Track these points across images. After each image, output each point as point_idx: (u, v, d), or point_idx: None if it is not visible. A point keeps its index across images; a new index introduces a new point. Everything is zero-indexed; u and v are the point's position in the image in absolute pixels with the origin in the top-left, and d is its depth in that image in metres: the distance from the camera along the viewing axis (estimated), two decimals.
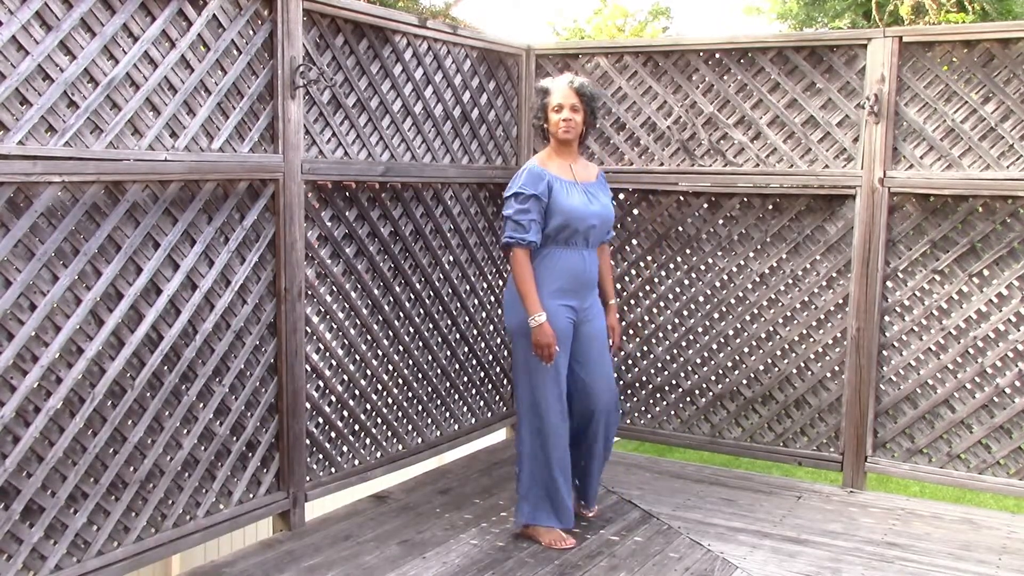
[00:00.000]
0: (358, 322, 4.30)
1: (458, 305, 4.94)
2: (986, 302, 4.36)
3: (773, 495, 4.56)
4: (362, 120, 4.19)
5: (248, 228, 3.68)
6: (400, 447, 4.62)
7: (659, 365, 5.18)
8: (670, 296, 5.11)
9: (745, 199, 4.87)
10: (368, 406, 4.40)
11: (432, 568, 3.63)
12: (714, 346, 5.02)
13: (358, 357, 4.31)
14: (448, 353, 4.91)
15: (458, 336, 4.97)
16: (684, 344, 5.10)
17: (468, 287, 5.01)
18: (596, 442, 3.99)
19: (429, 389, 4.80)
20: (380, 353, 4.45)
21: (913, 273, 4.50)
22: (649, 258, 5.16)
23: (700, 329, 5.04)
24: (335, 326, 4.17)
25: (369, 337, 4.37)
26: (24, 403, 2.96)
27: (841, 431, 4.71)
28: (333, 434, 4.23)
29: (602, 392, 3.93)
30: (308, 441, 4.06)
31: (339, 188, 4.13)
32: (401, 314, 4.56)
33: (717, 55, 4.84)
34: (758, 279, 4.88)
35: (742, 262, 4.90)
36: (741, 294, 4.92)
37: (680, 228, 5.04)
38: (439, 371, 4.85)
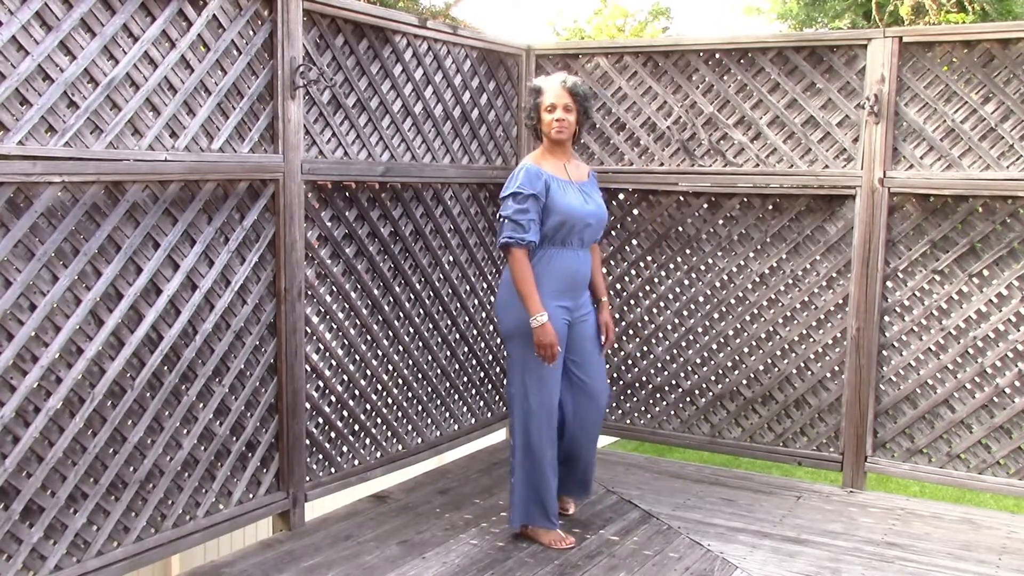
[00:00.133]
0: (358, 322, 4.30)
1: (458, 305, 4.94)
2: (986, 302, 4.36)
3: (773, 495, 4.56)
4: (362, 120, 4.19)
5: (248, 228, 3.69)
6: (400, 447, 4.62)
7: (659, 365, 5.18)
8: (670, 296, 5.11)
9: (745, 199, 4.87)
10: (368, 406, 4.40)
11: (432, 568, 3.63)
12: (714, 346, 5.02)
13: (358, 357, 4.31)
14: (448, 353, 4.91)
15: (458, 336, 4.97)
16: (684, 344, 5.10)
17: (468, 287, 5.01)
18: (593, 440, 4.01)
19: (429, 389, 4.80)
20: (380, 353, 4.45)
21: (913, 273, 4.50)
22: (649, 258, 5.16)
23: (700, 329, 5.04)
24: (335, 326, 4.18)
25: (369, 337, 4.37)
26: (24, 403, 2.96)
27: (841, 431, 4.71)
28: (333, 434, 4.23)
29: (599, 392, 3.95)
30: (308, 441, 4.06)
31: (339, 188, 4.13)
32: (401, 314, 4.57)
33: (717, 55, 4.84)
34: (758, 279, 4.88)
35: (742, 262, 4.90)
36: (741, 294, 4.92)
37: (680, 228, 5.04)
38: (439, 371, 4.85)
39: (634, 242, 5.19)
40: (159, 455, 3.41)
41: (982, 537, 4.05)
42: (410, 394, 4.67)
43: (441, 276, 4.80)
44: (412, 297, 4.61)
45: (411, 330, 4.64)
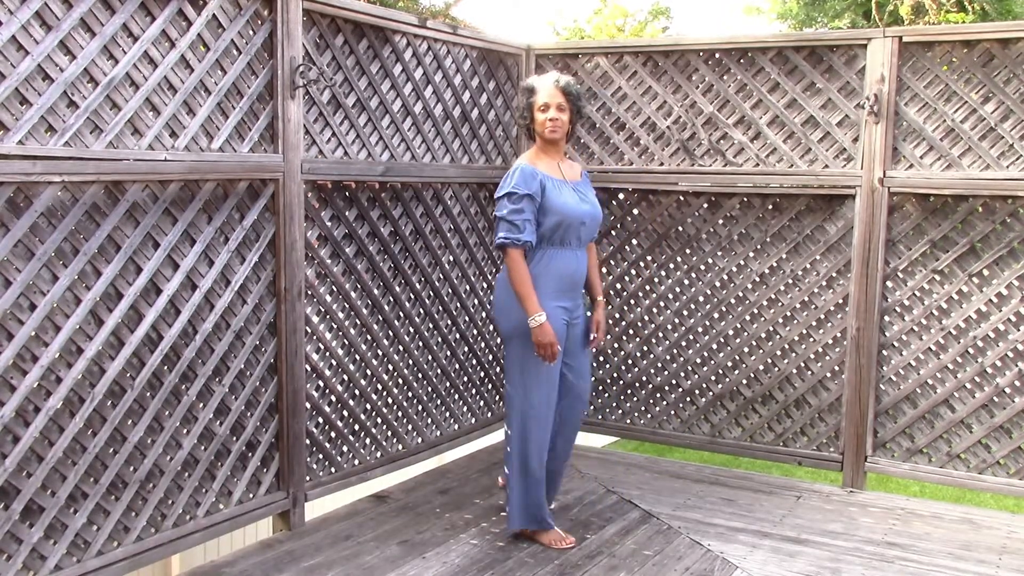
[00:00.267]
0: (358, 322, 4.30)
1: (458, 305, 4.94)
2: (986, 302, 4.36)
3: (773, 495, 4.56)
4: (362, 120, 4.19)
5: (248, 228, 3.68)
6: (400, 447, 4.62)
7: (659, 365, 5.18)
8: (670, 296, 5.11)
9: (745, 199, 4.87)
10: (368, 406, 4.40)
11: (432, 568, 3.63)
12: (714, 346, 5.02)
13: (358, 357, 4.31)
14: (448, 353, 4.91)
15: (458, 336, 4.97)
16: (684, 344, 5.10)
17: (468, 287, 5.01)
18: (572, 440, 4.04)
19: (429, 389, 4.80)
20: (380, 353, 4.45)
21: (913, 273, 4.50)
22: (649, 258, 5.16)
23: (700, 329, 5.04)
24: (335, 326, 4.17)
25: (369, 337, 4.37)
26: (24, 403, 2.96)
27: (841, 431, 4.71)
28: (333, 434, 4.23)
29: (585, 392, 4.00)
30: (308, 441, 4.06)
31: (339, 188, 4.13)
32: (401, 314, 4.56)
33: (717, 55, 4.84)
34: (758, 279, 4.88)
35: (742, 262, 4.90)
36: (741, 294, 4.92)
37: (680, 228, 5.04)
38: (439, 371, 4.85)
39: (634, 242, 5.19)
40: (159, 455, 3.41)
41: (982, 537, 4.05)
42: (410, 394, 4.67)
43: (441, 276, 4.80)
44: (412, 297, 4.61)
45: (411, 330, 4.64)
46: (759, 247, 4.86)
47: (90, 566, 3.19)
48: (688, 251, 5.03)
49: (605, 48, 5.25)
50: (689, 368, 5.10)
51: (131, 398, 3.27)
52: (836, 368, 4.72)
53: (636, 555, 3.78)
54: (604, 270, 5.27)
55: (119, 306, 3.21)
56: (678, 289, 5.09)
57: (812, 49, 4.62)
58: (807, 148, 4.67)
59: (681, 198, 5.02)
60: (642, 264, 5.18)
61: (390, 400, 4.55)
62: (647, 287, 5.17)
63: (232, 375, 3.66)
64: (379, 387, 4.46)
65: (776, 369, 4.87)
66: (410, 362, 4.64)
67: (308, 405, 4.04)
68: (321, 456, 4.16)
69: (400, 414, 4.62)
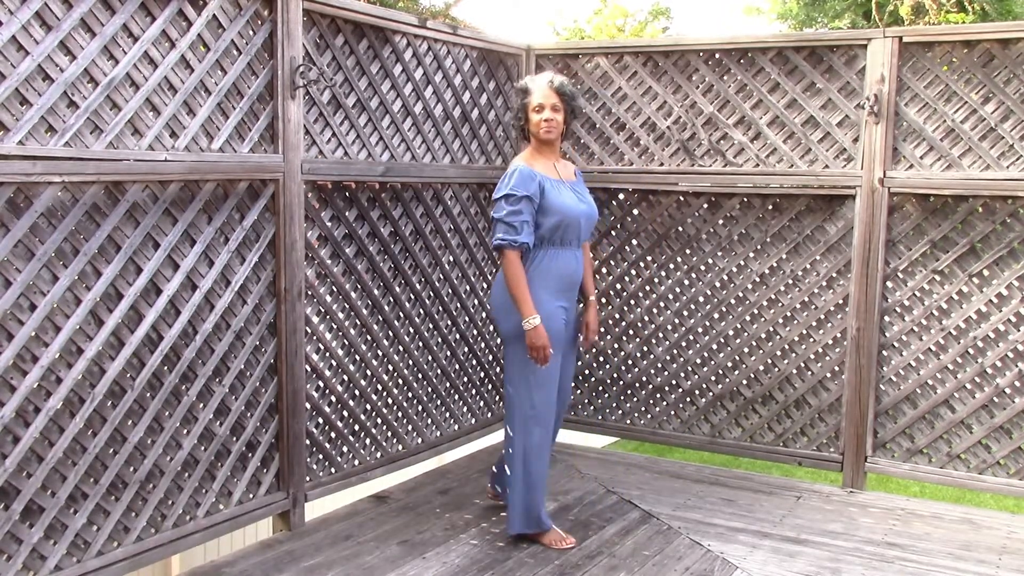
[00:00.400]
0: (358, 322, 4.30)
1: (458, 305, 4.94)
2: (986, 302, 4.36)
3: (773, 495, 4.56)
4: (362, 120, 4.19)
5: (248, 228, 3.68)
6: (400, 447, 4.62)
7: (659, 365, 5.18)
8: (670, 296, 5.11)
9: (745, 199, 4.87)
10: (368, 406, 4.40)
11: (432, 568, 3.63)
12: (714, 346, 5.02)
13: (358, 357, 4.31)
14: (448, 353, 4.91)
15: (458, 336, 4.97)
16: (684, 344, 5.10)
17: (468, 287, 5.01)
18: (555, 437, 4.08)
19: (429, 389, 4.80)
20: (380, 353, 4.45)
21: (913, 273, 4.50)
22: (649, 258, 5.16)
23: (700, 329, 5.04)
24: (335, 326, 4.17)
25: (369, 337, 4.37)
26: (24, 403, 2.96)
27: (841, 431, 4.71)
28: (333, 434, 4.23)
29: (569, 390, 4.08)
30: (308, 441, 4.06)
31: (339, 188, 4.13)
32: (401, 314, 4.56)
33: (717, 55, 4.84)
34: (758, 279, 4.88)
35: (742, 262, 4.90)
36: (741, 294, 4.92)
37: (680, 228, 5.04)
38: (439, 371, 4.85)
39: (634, 242, 5.19)
40: (159, 455, 3.41)
41: (982, 537, 4.05)
42: (410, 394, 4.67)
43: (441, 276, 4.80)
44: (412, 297, 4.61)
45: (411, 330, 4.64)
46: (759, 247, 4.86)
47: (90, 566, 3.19)
48: (688, 251, 5.03)
49: (605, 48, 5.25)
50: (689, 368, 5.10)
51: (131, 398, 3.27)
52: (836, 368, 4.72)
53: (636, 555, 3.78)
54: (604, 270, 5.27)
55: (119, 306, 3.21)
56: (678, 289, 5.09)
57: (812, 49, 4.62)
58: (807, 148, 4.67)
59: (681, 198, 5.02)
60: (642, 264, 5.18)
61: (390, 400, 4.55)
62: (647, 287, 5.17)
63: (232, 375, 3.66)
64: (379, 387, 4.46)
65: (776, 369, 4.87)
66: (410, 362, 4.64)
67: (308, 405, 4.04)
68: (321, 456, 4.16)
69: (400, 414, 4.62)
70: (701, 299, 5.02)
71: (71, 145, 3.01)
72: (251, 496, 3.82)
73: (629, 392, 5.29)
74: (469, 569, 3.62)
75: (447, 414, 4.94)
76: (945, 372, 4.47)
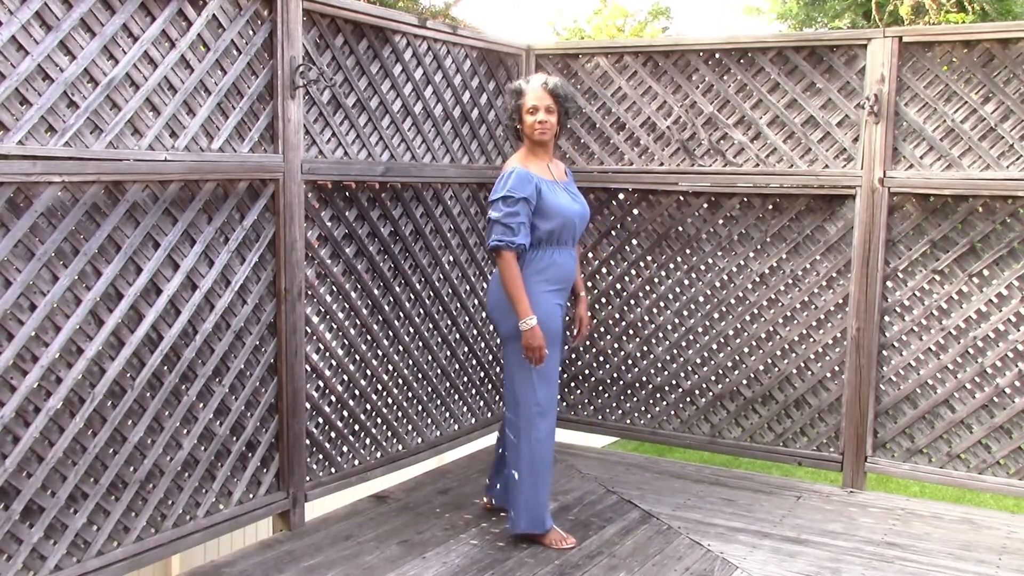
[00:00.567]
0: (358, 322, 4.30)
1: (458, 305, 4.94)
2: (986, 302, 4.36)
3: (773, 495, 4.56)
4: (362, 120, 4.19)
5: (248, 228, 3.68)
6: (400, 447, 4.62)
7: (659, 365, 5.18)
8: (670, 296, 5.11)
9: (745, 199, 4.87)
10: (368, 406, 4.40)
11: (432, 568, 3.62)
12: (714, 346, 5.02)
13: (358, 357, 4.31)
14: (448, 353, 4.91)
15: (458, 336, 4.97)
16: (684, 344, 5.10)
17: (468, 287, 5.01)
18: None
19: (429, 389, 4.80)
20: (380, 353, 4.45)
21: (913, 273, 4.50)
22: (649, 258, 5.16)
23: (700, 329, 5.04)
24: (335, 326, 4.17)
25: (369, 337, 4.37)
26: (24, 403, 2.96)
27: (841, 431, 4.71)
28: (333, 434, 4.23)
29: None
30: (308, 441, 4.06)
31: (339, 188, 4.13)
32: (401, 314, 4.56)
33: (717, 55, 4.84)
34: (758, 279, 4.88)
35: (742, 262, 4.90)
36: (741, 294, 4.92)
37: (680, 228, 5.04)
38: (439, 371, 4.85)
39: (634, 242, 5.19)
40: (159, 455, 3.41)
41: (982, 537, 4.05)
42: (410, 394, 4.67)
43: (441, 276, 4.80)
44: (412, 297, 4.61)
45: (411, 330, 4.64)
46: (759, 247, 4.86)
47: (90, 566, 3.19)
48: (688, 251, 5.03)
49: (605, 48, 5.25)
50: (689, 368, 5.10)
51: (131, 398, 3.27)
52: (836, 368, 4.72)
53: (636, 555, 3.78)
54: (604, 270, 5.28)
55: (119, 306, 3.21)
56: (678, 289, 5.09)
57: (812, 49, 4.62)
58: (807, 148, 4.67)
59: (681, 198, 5.02)
60: (642, 264, 5.18)
61: (390, 400, 4.55)
62: (647, 287, 5.17)
63: (232, 375, 3.66)
64: (379, 387, 4.46)
65: (776, 369, 4.87)
66: (410, 362, 4.64)
67: (308, 405, 4.04)
68: (321, 456, 4.16)
69: (400, 414, 4.62)
70: (701, 299, 5.02)
71: (71, 145, 3.01)
72: (251, 496, 3.82)
73: (629, 392, 5.29)
74: (469, 569, 3.62)
75: (447, 414, 4.94)
76: (945, 372, 4.47)
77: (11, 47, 2.84)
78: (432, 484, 4.66)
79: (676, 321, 5.11)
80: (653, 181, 5.03)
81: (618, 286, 5.25)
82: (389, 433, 4.55)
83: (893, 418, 4.60)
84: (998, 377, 4.36)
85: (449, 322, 4.89)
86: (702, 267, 5.02)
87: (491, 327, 5.21)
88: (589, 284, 5.30)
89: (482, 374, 5.21)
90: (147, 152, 3.24)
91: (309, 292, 4.00)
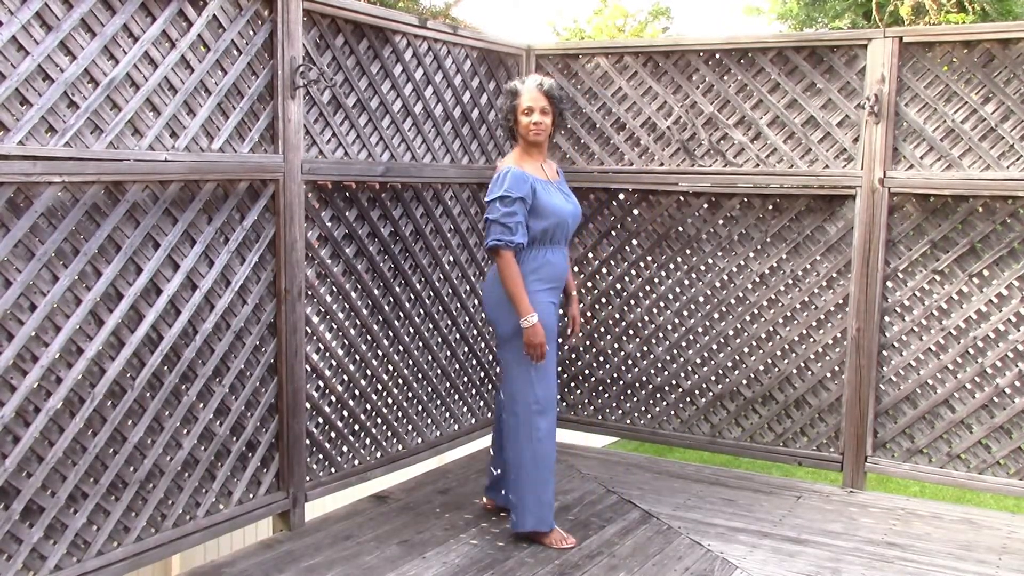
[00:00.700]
0: (358, 322, 4.30)
1: (458, 305, 4.94)
2: (986, 302, 4.36)
3: (773, 495, 4.56)
4: (362, 120, 4.19)
5: (248, 228, 3.69)
6: (400, 447, 4.62)
7: (659, 365, 5.18)
8: (670, 296, 5.11)
9: (745, 199, 4.87)
10: (368, 406, 4.40)
11: (432, 568, 3.63)
12: (714, 346, 5.02)
13: (358, 357, 4.31)
14: (448, 353, 4.91)
15: (458, 336, 4.97)
16: (684, 344, 5.10)
17: (468, 287, 5.01)
18: None
19: (429, 389, 4.80)
20: (380, 353, 4.45)
21: (913, 273, 4.50)
22: (649, 258, 5.16)
23: (700, 329, 5.04)
24: (335, 326, 4.18)
25: (369, 337, 4.37)
26: (24, 403, 2.96)
27: (841, 431, 4.71)
28: (333, 434, 4.23)
29: None
30: (308, 441, 4.06)
31: (339, 188, 4.13)
32: (401, 314, 4.57)
33: (717, 55, 4.84)
34: (758, 279, 4.88)
35: (742, 262, 4.90)
36: (741, 294, 4.92)
37: (680, 228, 5.04)
38: (439, 371, 4.85)
39: (634, 242, 5.19)
40: (159, 455, 3.41)
41: (982, 537, 4.05)
42: (410, 394, 4.67)
43: (441, 276, 4.80)
44: (412, 297, 4.61)
45: (411, 330, 4.64)
46: (759, 247, 4.86)
47: (90, 566, 3.19)
48: (688, 251, 5.04)
49: (605, 48, 5.25)
50: (689, 368, 5.10)
51: (131, 398, 3.27)
52: (836, 368, 4.72)
53: (636, 555, 3.78)
54: (604, 270, 5.28)
55: (119, 306, 3.21)
56: (678, 289, 5.09)
57: (812, 49, 4.62)
58: (807, 148, 4.67)
59: (681, 198, 5.02)
60: (642, 264, 5.18)
61: (390, 400, 4.55)
62: (647, 287, 5.17)
63: (232, 375, 3.66)
64: (379, 387, 4.46)
65: (776, 369, 4.87)
66: (410, 362, 4.64)
67: (308, 405, 4.04)
68: (321, 456, 4.16)
69: (400, 414, 4.62)
70: (701, 299, 5.02)
71: (71, 145, 3.01)
72: (251, 496, 3.82)
73: (629, 392, 5.29)
74: (469, 569, 3.63)
75: (447, 414, 4.94)
76: (945, 372, 4.47)
77: (11, 47, 2.84)
78: (432, 484, 4.66)
79: (676, 321, 5.11)
80: (653, 181, 5.03)
81: (618, 286, 5.25)
82: (389, 433, 4.55)
83: (893, 418, 4.60)
84: (998, 377, 4.36)
85: (449, 322, 4.89)
86: (702, 267, 5.02)
87: (491, 327, 5.20)
88: (589, 284, 5.30)
89: (482, 374, 5.21)
90: (147, 152, 3.24)
91: (309, 292, 4.00)
